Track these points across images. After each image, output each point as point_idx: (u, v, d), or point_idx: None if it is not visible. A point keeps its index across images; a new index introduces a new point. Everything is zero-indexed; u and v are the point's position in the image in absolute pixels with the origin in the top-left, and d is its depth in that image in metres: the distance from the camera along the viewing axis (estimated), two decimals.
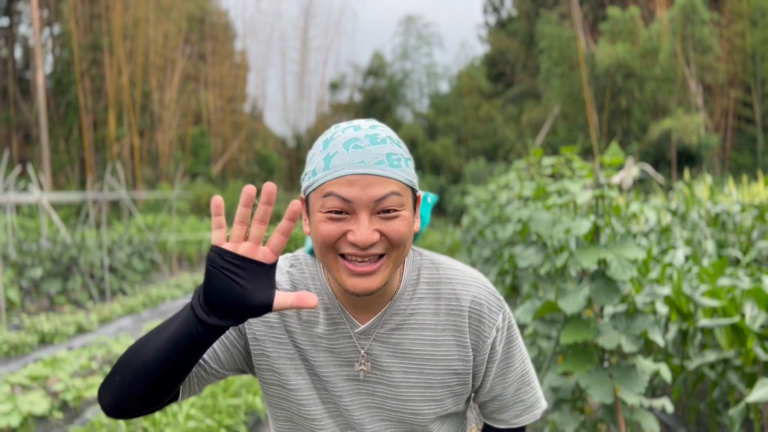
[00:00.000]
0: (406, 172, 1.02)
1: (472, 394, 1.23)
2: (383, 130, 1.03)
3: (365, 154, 0.98)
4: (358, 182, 0.97)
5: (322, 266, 1.15)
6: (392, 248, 1.01)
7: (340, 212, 0.98)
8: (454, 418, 1.23)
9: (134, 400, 0.98)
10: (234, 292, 0.90)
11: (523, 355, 1.21)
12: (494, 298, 1.15)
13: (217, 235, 0.91)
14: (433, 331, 1.12)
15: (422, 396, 1.12)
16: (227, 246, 0.91)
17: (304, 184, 1.05)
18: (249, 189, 0.88)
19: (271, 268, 0.93)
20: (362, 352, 1.11)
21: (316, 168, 1.01)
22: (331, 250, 1.01)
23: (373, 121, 1.06)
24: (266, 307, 0.92)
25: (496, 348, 1.15)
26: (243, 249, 0.91)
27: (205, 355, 1.11)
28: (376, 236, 0.98)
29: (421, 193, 1.13)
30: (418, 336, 1.11)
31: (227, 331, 1.12)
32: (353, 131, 1.01)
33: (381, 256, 1.01)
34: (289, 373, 1.14)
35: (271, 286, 0.93)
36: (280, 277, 1.15)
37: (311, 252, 1.19)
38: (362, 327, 1.11)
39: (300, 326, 1.13)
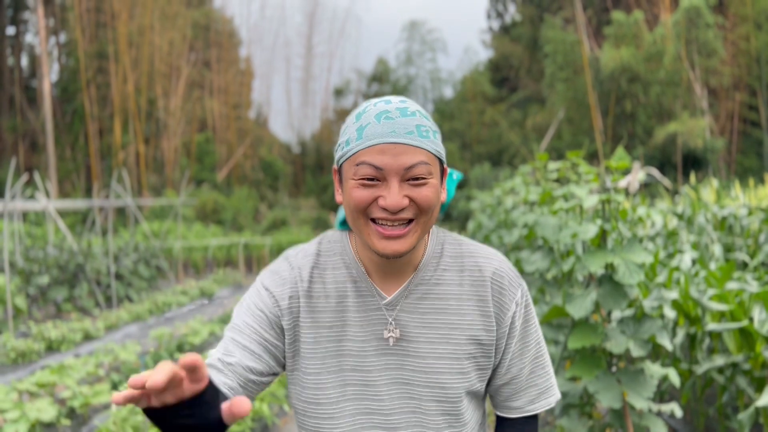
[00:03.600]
0: (434, 143, 1.07)
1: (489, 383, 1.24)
2: (412, 104, 1.09)
3: (396, 125, 1.04)
4: (390, 151, 1.03)
5: (350, 240, 1.20)
6: (421, 213, 1.06)
7: (372, 179, 1.04)
8: (476, 403, 1.23)
9: None
10: (187, 425, 0.80)
11: (538, 336, 1.23)
12: (514, 274, 1.20)
13: (142, 402, 0.77)
14: (457, 301, 1.15)
15: (450, 368, 1.14)
16: (156, 403, 0.77)
17: (337, 155, 1.10)
18: (189, 360, 0.74)
19: (208, 390, 0.81)
20: (390, 319, 1.14)
21: (350, 138, 1.07)
22: (362, 215, 1.06)
23: (402, 97, 1.12)
24: (220, 427, 0.82)
25: (515, 324, 1.17)
26: (172, 396, 0.77)
27: (245, 373, 1.09)
28: (406, 201, 1.03)
29: (447, 168, 1.18)
30: (444, 306, 1.15)
31: (264, 336, 1.13)
32: (384, 104, 1.07)
33: (410, 221, 1.06)
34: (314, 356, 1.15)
35: (216, 405, 0.82)
36: (303, 260, 1.18)
37: (343, 224, 1.24)
38: (389, 298, 1.14)
39: (327, 303, 1.16)
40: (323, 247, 1.21)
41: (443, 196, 1.13)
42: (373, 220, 1.06)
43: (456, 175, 1.31)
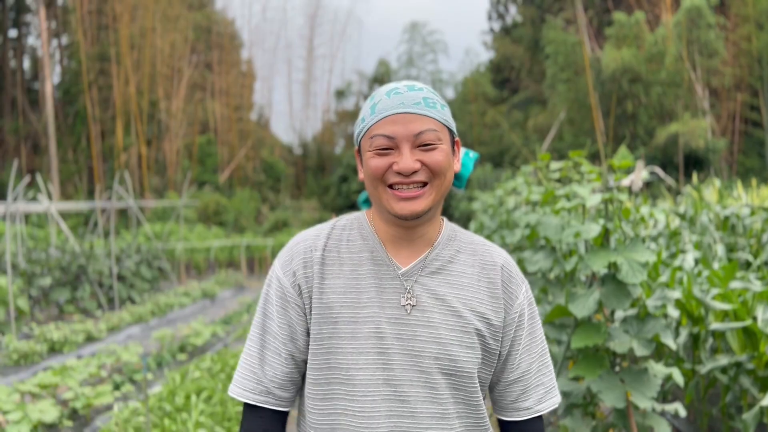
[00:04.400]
0: (442, 113, 1.16)
1: (494, 385, 1.26)
2: (420, 84, 1.19)
3: (404, 98, 1.14)
4: (400, 120, 1.12)
5: (367, 217, 1.26)
6: (434, 177, 1.14)
7: (386, 149, 1.13)
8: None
9: None
10: None
11: (542, 334, 1.29)
12: (520, 272, 1.28)
13: None
14: (469, 279, 1.21)
15: (459, 341, 1.17)
16: None
17: (356, 133, 1.20)
18: None
19: None
20: (408, 288, 1.19)
21: (365, 116, 1.17)
22: (380, 182, 1.14)
23: (413, 81, 1.21)
24: None
25: (523, 316, 1.23)
26: None
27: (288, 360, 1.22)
28: (418, 165, 1.12)
29: (459, 140, 1.24)
30: (456, 281, 1.21)
31: (294, 318, 1.20)
32: (394, 84, 1.19)
33: (425, 184, 1.14)
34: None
35: None
36: (318, 232, 1.25)
37: (365, 201, 1.33)
38: (405, 268, 1.19)
39: (341, 270, 1.20)
40: (339, 223, 1.27)
41: (457, 166, 1.22)
42: (391, 186, 1.14)
43: (472, 153, 1.37)
